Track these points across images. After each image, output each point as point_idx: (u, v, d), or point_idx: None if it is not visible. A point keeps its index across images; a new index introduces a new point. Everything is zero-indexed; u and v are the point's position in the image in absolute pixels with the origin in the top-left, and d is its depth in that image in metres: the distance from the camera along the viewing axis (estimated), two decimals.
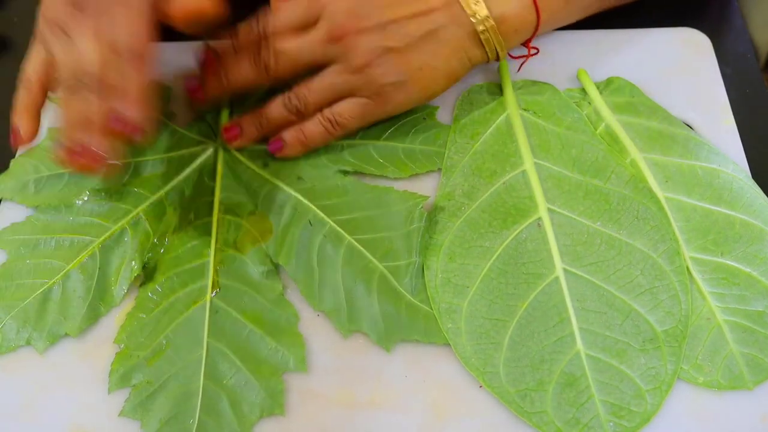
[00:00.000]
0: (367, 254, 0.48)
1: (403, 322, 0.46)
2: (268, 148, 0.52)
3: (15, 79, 0.59)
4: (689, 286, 0.46)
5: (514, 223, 0.48)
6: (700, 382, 0.44)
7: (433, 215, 0.49)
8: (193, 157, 0.53)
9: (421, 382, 0.45)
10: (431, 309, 0.46)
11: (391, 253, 0.48)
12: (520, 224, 0.48)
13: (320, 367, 0.46)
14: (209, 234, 0.50)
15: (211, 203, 0.51)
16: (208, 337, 0.46)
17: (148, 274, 0.49)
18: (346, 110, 0.51)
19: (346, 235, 0.49)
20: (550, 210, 0.48)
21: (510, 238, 0.48)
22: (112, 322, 0.48)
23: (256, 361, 0.45)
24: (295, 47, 0.49)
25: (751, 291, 0.46)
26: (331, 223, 0.49)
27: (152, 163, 0.53)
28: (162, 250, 0.50)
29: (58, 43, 0.45)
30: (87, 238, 0.50)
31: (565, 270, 0.47)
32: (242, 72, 0.51)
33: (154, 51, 0.47)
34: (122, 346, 0.46)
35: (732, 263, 0.47)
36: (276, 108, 0.52)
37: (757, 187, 0.49)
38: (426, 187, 0.52)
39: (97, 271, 0.49)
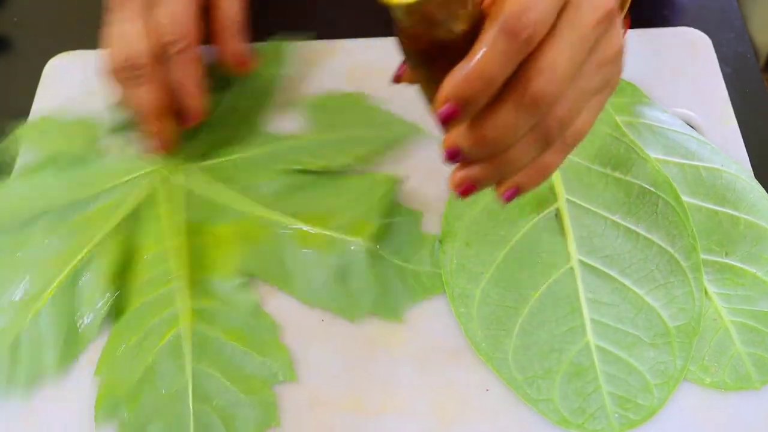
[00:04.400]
0: (344, 236, 0.48)
1: (401, 288, 0.46)
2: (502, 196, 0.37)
3: (15, 78, 0.58)
4: (704, 283, 0.46)
5: (531, 213, 0.48)
6: (707, 382, 0.44)
7: (451, 202, 0.49)
8: (139, 182, 0.51)
9: (426, 386, 0.44)
10: (417, 270, 0.47)
11: (363, 225, 0.48)
12: (537, 214, 0.48)
13: (326, 374, 0.45)
14: (172, 258, 0.48)
15: (171, 226, 0.49)
16: (192, 362, 0.45)
17: (118, 305, 0.47)
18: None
19: (313, 229, 0.48)
20: (568, 201, 0.48)
21: (527, 227, 0.48)
22: (92, 356, 0.46)
23: (243, 378, 0.44)
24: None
25: (756, 291, 0.46)
26: (298, 222, 0.49)
27: (102, 195, 0.51)
28: (128, 281, 0.48)
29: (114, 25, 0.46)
30: (50, 273, 0.47)
31: (580, 261, 0.47)
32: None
33: (201, 36, 0.47)
34: (104, 379, 0.44)
35: (737, 264, 0.47)
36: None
37: (761, 187, 0.49)
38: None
39: (65, 310, 0.46)
